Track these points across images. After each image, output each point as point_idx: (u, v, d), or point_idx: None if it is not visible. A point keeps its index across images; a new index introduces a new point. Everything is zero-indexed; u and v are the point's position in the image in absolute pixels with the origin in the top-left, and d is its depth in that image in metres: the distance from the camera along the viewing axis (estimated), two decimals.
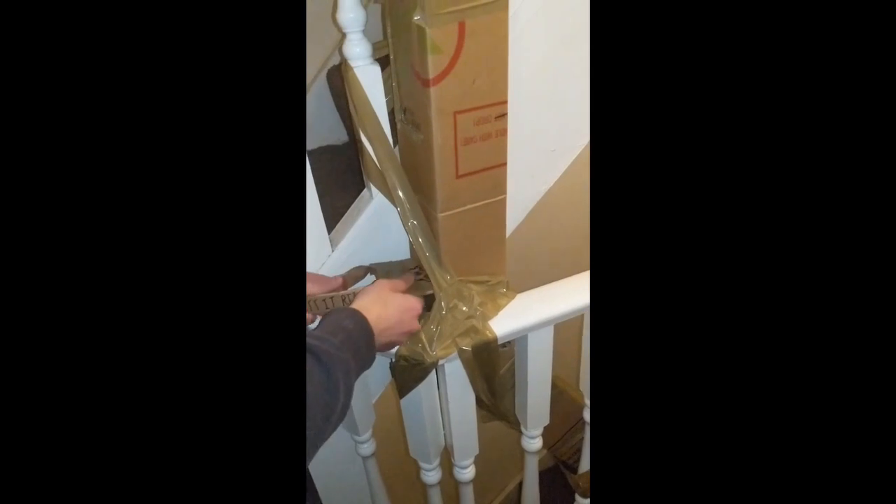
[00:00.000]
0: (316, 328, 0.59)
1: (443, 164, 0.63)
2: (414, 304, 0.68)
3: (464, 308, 0.72)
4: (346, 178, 1.08)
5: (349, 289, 0.70)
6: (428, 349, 0.70)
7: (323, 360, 0.52)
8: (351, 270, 0.76)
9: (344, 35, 0.64)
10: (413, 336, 0.70)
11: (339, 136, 1.27)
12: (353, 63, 0.65)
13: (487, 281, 0.77)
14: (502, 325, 0.74)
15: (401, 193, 0.67)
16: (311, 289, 0.67)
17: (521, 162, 0.74)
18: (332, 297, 0.67)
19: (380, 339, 0.63)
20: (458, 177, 0.65)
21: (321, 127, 1.25)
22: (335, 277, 0.70)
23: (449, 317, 0.71)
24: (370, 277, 0.77)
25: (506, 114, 0.64)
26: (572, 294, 0.80)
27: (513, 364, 0.92)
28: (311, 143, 1.24)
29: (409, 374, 0.73)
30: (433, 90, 0.57)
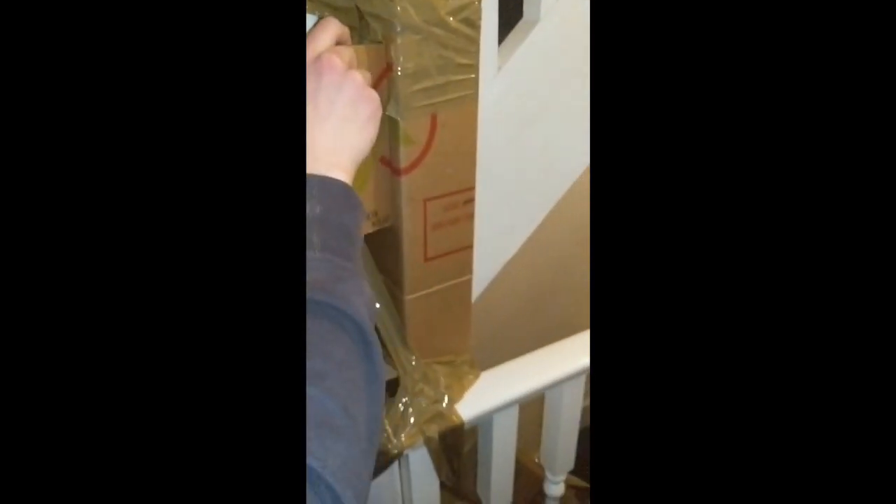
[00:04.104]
0: None
1: (412, 249, 0.63)
2: (356, 79, 0.45)
3: (429, 392, 0.70)
4: None
5: None
6: (392, 438, 0.67)
7: (319, 303, 0.35)
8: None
9: None
10: None
11: None
12: None
13: (453, 361, 0.76)
14: (468, 408, 0.73)
15: (366, 274, 0.66)
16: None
17: (480, 240, 0.74)
18: None
19: (353, 159, 0.45)
20: (426, 260, 0.65)
21: None
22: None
23: (415, 402, 0.68)
24: None
25: (473, 199, 0.65)
26: (536, 372, 0.80)
27: (475, 443, 0.90)
28: None
29: None
30: (404, 179, 0.57)
